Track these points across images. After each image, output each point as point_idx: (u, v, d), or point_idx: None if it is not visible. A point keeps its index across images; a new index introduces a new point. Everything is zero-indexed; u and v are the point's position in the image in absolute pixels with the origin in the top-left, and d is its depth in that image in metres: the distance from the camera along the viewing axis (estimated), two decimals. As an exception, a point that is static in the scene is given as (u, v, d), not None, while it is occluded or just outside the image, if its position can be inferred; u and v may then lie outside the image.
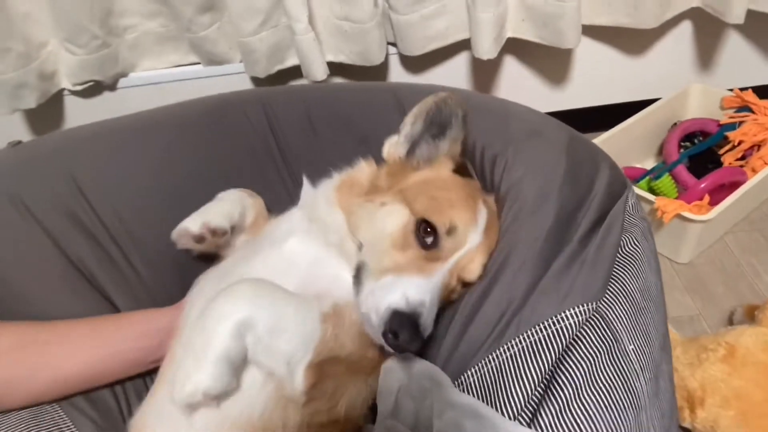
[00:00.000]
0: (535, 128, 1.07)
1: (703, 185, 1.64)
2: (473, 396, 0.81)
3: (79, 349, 0.93)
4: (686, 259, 1.65)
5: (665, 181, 1.78)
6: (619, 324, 0.83)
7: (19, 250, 1.02)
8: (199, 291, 0.99)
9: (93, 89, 1.86)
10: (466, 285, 0.93)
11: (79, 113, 1.90)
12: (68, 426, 0.92)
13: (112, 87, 1.88)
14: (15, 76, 1.68)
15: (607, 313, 0.84)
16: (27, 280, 1.00)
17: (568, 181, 0.95)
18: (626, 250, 0.91)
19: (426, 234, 0.89)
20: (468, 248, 0.90)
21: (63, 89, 1.84)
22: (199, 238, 1.02)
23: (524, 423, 0.76)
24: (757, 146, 1.83)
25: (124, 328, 0.98)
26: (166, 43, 1.84)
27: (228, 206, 1.07)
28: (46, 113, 1.85)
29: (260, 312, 0.82)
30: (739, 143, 1.84)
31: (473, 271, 0.91)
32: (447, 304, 0.94)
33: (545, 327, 0.81)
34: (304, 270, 0.96)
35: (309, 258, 0.97)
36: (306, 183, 1.11)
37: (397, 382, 0.89)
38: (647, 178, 1.83)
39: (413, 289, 0.83)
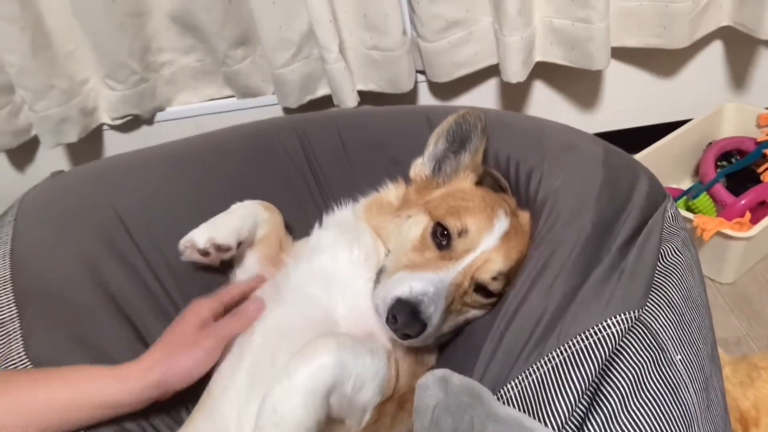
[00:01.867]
0: (570, 141, 1.07)
1: (743, 201, 1.61)
2: (515, 409, 0.78)
3: (38, 418, 0.85)
4: (729, 278, 1.60)
5: (703, 201, 1.74)
6: (663, 333, 0.81)
7: (63, 275, 1.03)
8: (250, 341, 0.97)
9: (131, 123, 1.92)
10: (484, 291, 0.96)
11: (117, 147, 1.96)
12: None
13: (149, 121, 1.94)
14: (58, 112, 1.75)
15: (651, 322, 0.81)
16: (75, 305, 1.01)
17: (606, 191, 0.94)
18: (668, 260, 0.89)
19: (442, 236, 0.96)
20: (482, 251, 0.93)
21: (103, 124, 1.91)
22: (204, 253, 1.02)
23: (569, 435, 0.73)
24: (797, 163, 1.79)
25: (82, 398, 0.87)
26: (201, 78, 1.90)
27: (238, 221, 1.06)
28: (87, 147, 1.91)
29: (345, 372, 0.82)
30: (778, 160, 1.79)
31: (487, 272, 0.94)
32: (467, 308, 0.96)
33: (587, 337, 0.79)
34: (350, 301, 0.98)
35: (348, 284, 0.99)
36: (333, 207, 1.16)
37: (434, 399, 0.87)
38: (684, 198, 1.80)
39: (418, 281, 0.88)
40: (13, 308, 0.96)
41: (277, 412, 0.78)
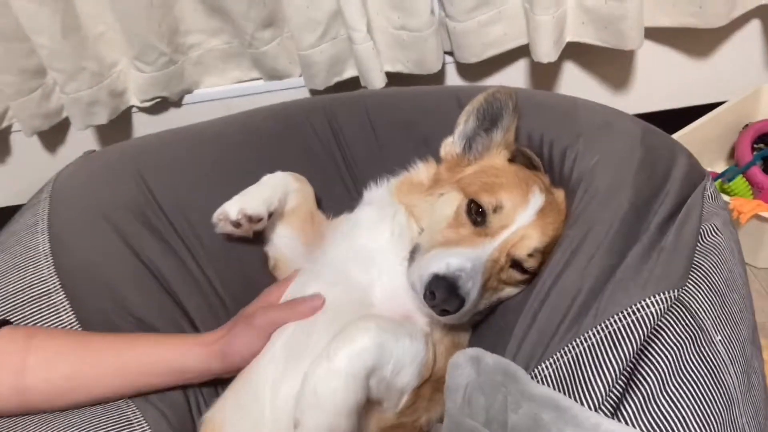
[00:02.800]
0: (606, 120, 1.05)
1: (781, 184, 1.56)
2: (550, 388, 0.77)
3: (109, 379, 0.93)
4: (765, 263, 1.57)
5: (739, 183, 1.70)
6: (703, 314, 0.79)
7: (99, 250, 1.05)
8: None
9: (159, 106, 1.93)
10: (519, 268, 0.95)
11: (146, 129, 1.97)
12: (139, 421, 0.93)
13: (177, 103, 1.94)
14: (88, 94, 1.77)
15: (690, 302, 0.79)
16: (113, 280, 1.04)
17: (644, 169, 0.92)
18: (708, 239, 0.87)
19: (476, 213, 0.95)
20: (517, 227, 0.93)
21: (132, 106, 1.92)
22: (236, 224, 1.04)
23: (606, 415, 0.72)
24: (836, 145, 1.73)
25: (157, 364, 0.95)
26: (229, 60, 1.90)
27: (269, 192, 1.07)
28: (116, 129, 1.93)
29: (385, 355, 0.83)
30: (817, 143, 1.74)
31: (523, 249, 0.93)
32: (502, 285, 0.96)
33: (625, 316, 0.77)
34: (386, 283, 0.98)
35: (385, 265, 0.99)
36: (371, 184, 1.16)
37: (466, 378, 0.87)
38: (719, 181, 1.76)
39: (455, 257, 0.88)
40: (56, 280, 0.98)
41: (318, 394, 0.79)
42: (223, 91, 1.95)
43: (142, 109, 1.94)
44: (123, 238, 1.07)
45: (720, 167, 1.92)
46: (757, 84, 1.95)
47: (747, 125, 1.91)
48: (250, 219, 1.04)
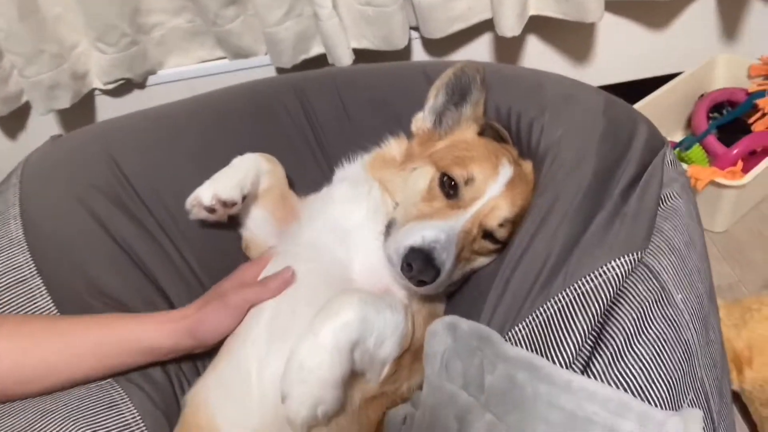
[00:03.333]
0: (570, 92, 1.08)
1: (735, 150, 1.63)
2: (524, 349, 0.81)
3: (77, 360, 0.93)
4: (722, 227, 1.64)
5: (696, 152, 1.76)
6: (665, 274, 0.84)
7: (74, 234, 1.04)
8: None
9: (123, 88, 1.90)
10: (491, 238, 0.98)
11: (110, 112, 1.93)
12: (125, 402, 0.94)
13: (141, 85, 1.91)
14: (49, 77, 1.72)
15: (653, 263, 0.84)
16: (89, 263, 1.03)
17: (607, 139, 0.95)
18: (668, 204, 0.91)
19: (449, 186, 0.98)
20: (488, 198, 0.96)
21: (95, 89, 1.89)
22: (211, 210, 1.03)
23: (577, 372, 0.76)
24: (788, 112, 1.81)
25: (125, 343, 0.95)
26: (192, 39, 1.87)
27: (241, 175, 1.06)
28: (79, 113, 1.89)
29: (368, 328, 0.85)
30: (770, 110, 1.81)
31: (494, 219, 0.96)
32: (475, 255, 1.00)
33: (592, 278, 0.81)
34: (364, 258, 1.00)
35: (362, 240, 1.01)
36: (344, 162, 1.18)
37: (443, 345, 0.90)
38: (677, 150, 1.82)
39: (429, 229, 0.91)
40: (32, 266, 0.98)
41: (304, 368, 0.81)
42: (188, 71, 1.92)
43: (105, 92, 1.90)
44: (98, 221, 1.06)
45: (677, 137, 1.99)
46: (712, 55, 2.02)
47: (703, 95, 1.97)
48: (224, 204, 1.03)
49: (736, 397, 1.19)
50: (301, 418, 0.81)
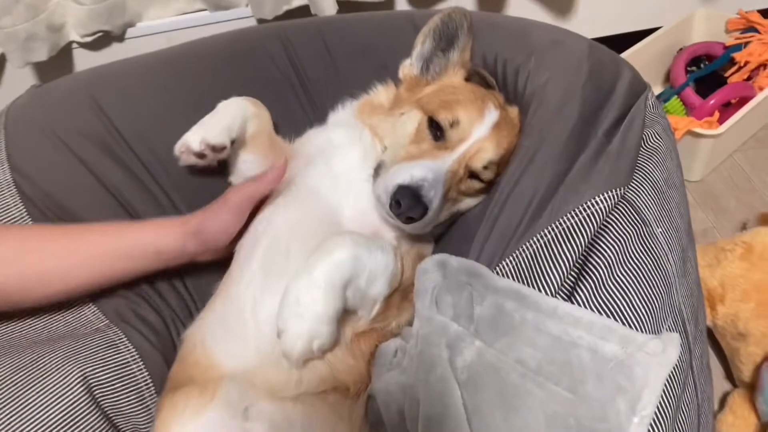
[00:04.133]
0: (555, 38, 1.09)
1: (712, 101, 1.67)
2: (512, 281, 0.85)
3: (83, 265, 0.92)
4: (698, 176, 1.69)
5: (674, 104, 1.80)
6: (646, 209, 0.87)
7: (61, 179, 1.04)
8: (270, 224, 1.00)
9: (101, 41, 1.86)
10: (477, 179, 1.01)
11: (88, 66, 1.88)
12: (124, 342, 0.96)
13: (120, 38, 1.88)
14: (24, 28, 1.68)
15: (635, 199, 0.87)
16: (78, 208, 1.04)
17: (591, 82, 0.98)
18: (649, 144, 0.94)
19: (437, 129, 1.00)
20: (474, 140, 0.98)
21: (72, 42, 1.84)
22: (200, 155, 1.03)
23: (562, 300, 0.80)
24: (763, 66, 1.85)
25: (133, 246, 0.95)
26: (171, -10, 1.83)
27: (228, 119, 1.05)
28: (57, 66, 1.85)
29: (360, 267, 0.87)
30: (746, 64, 1.85)
31: (479, 161, 0.99)
32: (461, 196, 1.02)
33: (576, 213, 0.84)
34: (354, 203, 1.02)
35: (353, 185, 1.03)
36: (338, 106, 1.19)
37: (433, 282, 0.93)
38: (655, 102, 1.85)
39: (417, 168, 0.93)
40: (22, 209, 0.98)
41: (300, 304, 0.84)
42: (167, 24, 1.88)
43: (83, 45, 1.86)
44: (86, 167, 1.06)
45: (656, 89, 2.03)
46: (691, 9, 2.04)
47: (681, 49, 2.00)
48: (214, 149, 1.02)
49: (709, 333, 1.25)
50: (297, 352, 0.84)
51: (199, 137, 1.02)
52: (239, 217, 0.98)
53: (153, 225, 0.97)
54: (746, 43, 1.87)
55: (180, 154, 1.05)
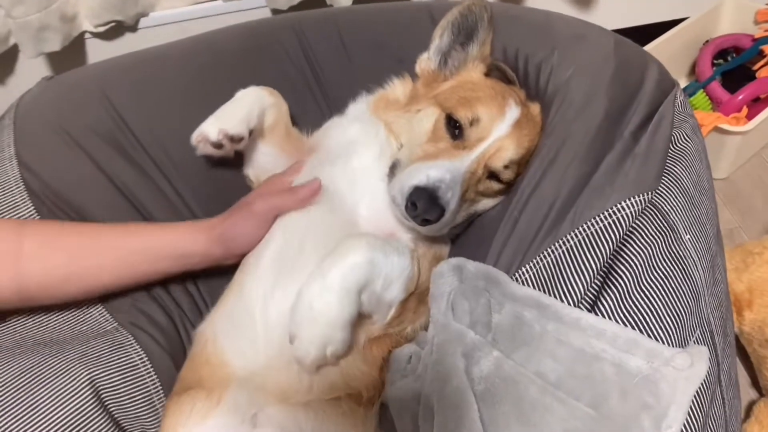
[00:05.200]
0: (579, 32, 1.05)
1: (740, 97, 1.62)
2: (532, 289, 0.81)
3: (110, 265, 0.92)
4: (724, 174, 1.64)
5: (699, 98, 1.75)
6: (674, 215, 0.83)
7: (71, 176, 1.02)
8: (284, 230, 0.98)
9: (114, 31, 1.84)
10: (496, 179, 0.98)
11: (101, 56, 1.86)
12: (131, 344, 0.94)
13: (133, 28, 1.85)
14: (37, 18, 1.66)
15: (662, 204, 0.83)
16: (87, 205, 1.02)
17: (617, 79, 0.93)
18: (678, 145, 0.90)
19: (455, 127, 0.96)
20: (494, 138, 0.95)
21: (85, 32, 1.83)
22: (218, 145, 1.01)
23: (585, 310, 0.76)
24: (794, 59, 1.79)
25: (158, 249, 0.95)
26: (185, -20, 1.80)
27: (246, 109, 1.03)
28: (69, 57, 1.83)
29: (375, 271, 0.85)
30: (775, 57, 1.79)
31: (499, 160, 0.95)
32: (480, 196, 0.99)
33: (601, 219, 0.81)
34: (370, 203, 0.99)
35: (369, 184, 1.00)
36: (357, 100, 1.15)
37: (449, 286, 0.90)
38: (680, 96, 1.79)
39: (434, 169, 0.90)
40: (30, 206, 0.96)
41: (313, 309, 0.81)
42: (181, 14, 1.86)
43: (96, 35, 1.84)
44: (96, 164, 1.04)
45: (682, 83, 1.96)
46: (717, 0, 1.98)
47: (707, 41, 1.94)
48: (232, 139, 1.00)
49: (735, 339, 1.21)
50: (310, 358, 0.82)
51: (216, 127, 1.00)
52: (263, 227, 0.96)
53: (179, 228, 0.96)
54: (776, 36, 1.81)
55: (197, 144, 1.02)
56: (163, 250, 0.94)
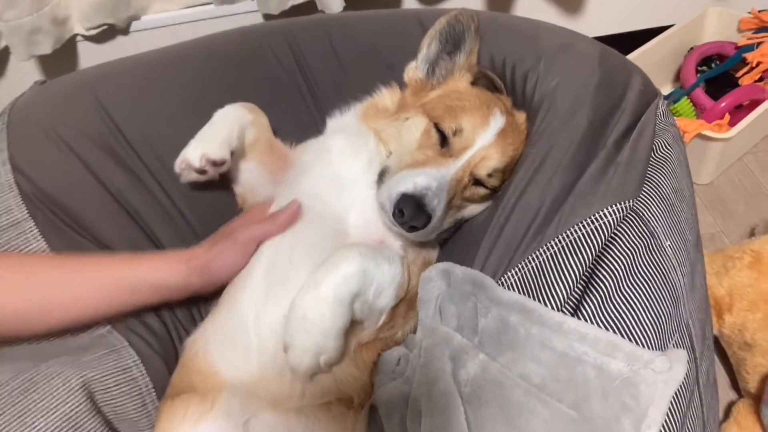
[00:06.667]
0: (565, 42, 1.07)
1: (723, 104, 1.65)
2: (517, 293, 0.83)
3: (87, 297, 0.91)
4: (707, 179, 1.67)
5: (683, 105, 1.78)
6: (655, 222, 0.85)
7: (64, 181, 1.03)
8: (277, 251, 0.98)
9: (106, 34, 1.85)
10: (482, 185, 0.99)
11: (93, 59, 1.88)
12: (124, 346, 0.95)
13: (124, 31, 1.86)
14: (29, 21, 1.67)
15: (644, 211, 0.86)
16: (80, 210, 1.03)
17: (602, 89, 0.96)
18: (659, 153, 0.93)
19: (442, 135, 0.98)
20: (478, 147, 0.97)
21: (76, 35, 1.83)
22: (201, 171, 1.00)
23: (568, 314, 0.79)
24: (776, 67, 1.82)
25: (137, 280, 0.94)
26: (177, -17, 1.82)
27: (226, 130, 1.02)
28: (61, 60, 1.84)
29: (368, 280, 0.86)
30: (758, 64, 1.82)
31: (484, 168, 0.98)
32: (466, 202, 1.01)
33: (584, 225, 0.83)
34: (360, 210, 1.00)
35: (358, 192, 1.01)
36: (336, 112, 1.16)
37: (437, 290, 0.92)
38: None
39: (421, 177, 0.92)
40: (23, 209, 0.97)
41: (306, 319, 0.83)
42: (172, 17, 1.87)
43: (87, 38, 1.85)
44: (89, 169, 1.05)
45: (666, 89, 2.00)
46: (702, 8, 2.01)
47: (692, 48, 1.97)
48: (215, 163, 1.00)
49: (715, 341, 1.24)
50: (304, 367, 0.84)
51: (199, 153, 0.99)
52: (245, 257, 0.97)
53: (158, 259, 0.96)
54: (759, 44, 1.84)
55: (181, 171, 1.02)
56: (141, 281, 0.94)
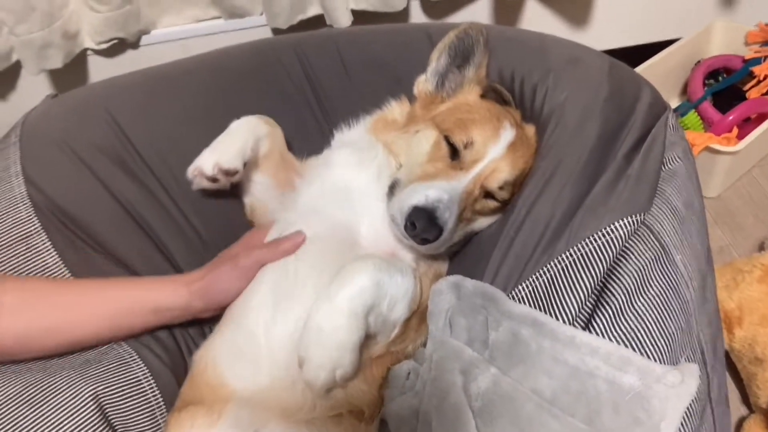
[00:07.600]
0: (574, 55, 1.08)
1: (731, 117, 1.65)
2: (528, 307, 0.83)
3: (88, 322, 0.93)
4: (715, 192, 1.67)
5: (691, 118, 1.78)
6: (666, 235, 0.85)
7: (76, 193, 1.04)
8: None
9: (116, 48, 1.86)
10: (492, 198, 1.00)
11: (103, 73, 1.90)
12: (135, 359, 0.95)
13: (134, 45, 1.88)
14: (40, 36, 1.69)
15: (654, 224, 0.86)
16: (92, 222, 1.04)
17: (611, 102, 0.96)
18: (670, 167, 0.93)
19: (453, 148, 0.99)
20: (489, 160, 0.97)
21: (87, 49, 1.85)
22: (213, 179, 1.02)
23: (579, 328, 0.78)
24: (783, 80, 1.82)
25: (138, 303, 0.96)
26: (187, -2, 1.83)
27: (241, 141, 1.04)
28: (71, 74, 1.85)
29: (382, 293, 0.87)
30: (765, 78, 1.83)
31: (495, 181, 0.98)
32: (476, 215, 1.01)
33: (596, 239, 0.83)
34: (370, 222, 1.01)
35: (368, 204, 1.02)
36: (342, 126, 1.17)
37: (447, 303, 0.92)
38: (672, 116, 1.83)
39: (433, 189, 0.93)
40: (36, 222, 0.97)
41: (322, 332, 0.83)
42: (182, 31, 1.89)
43: (97, 52, 1.86)
44: (101, 182, 1.06)
45: (673, 103, 2.00)
46: (709, 21, 2.02)
47: (699, 61, 1.98)
48: (227, 173, 1.01)
49: (726, 355, 1.23)
50: (320, 382, 0.84)
51: (212, 161, 1.01)
52: (247, 281, 0.97)
53: (160, 282, 0.98)
54: (765, 57, 1.84)
55: (193, 178, 1.04)
56: (142, 304, 0.95)
